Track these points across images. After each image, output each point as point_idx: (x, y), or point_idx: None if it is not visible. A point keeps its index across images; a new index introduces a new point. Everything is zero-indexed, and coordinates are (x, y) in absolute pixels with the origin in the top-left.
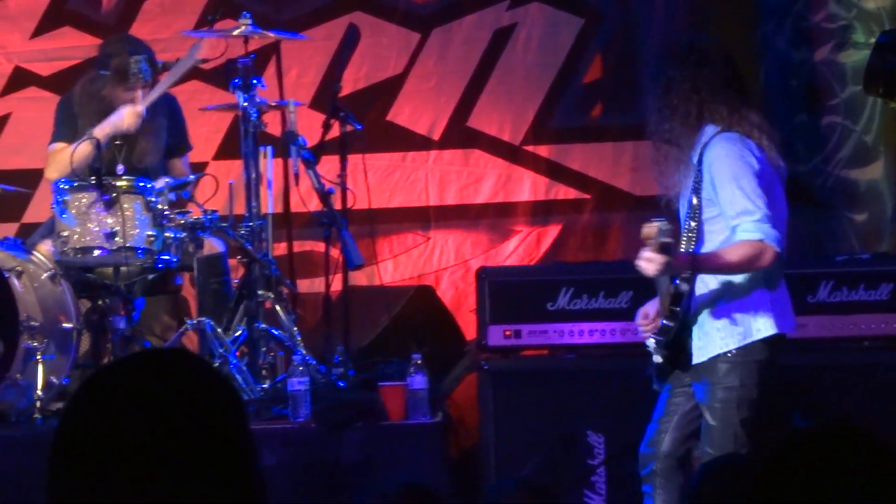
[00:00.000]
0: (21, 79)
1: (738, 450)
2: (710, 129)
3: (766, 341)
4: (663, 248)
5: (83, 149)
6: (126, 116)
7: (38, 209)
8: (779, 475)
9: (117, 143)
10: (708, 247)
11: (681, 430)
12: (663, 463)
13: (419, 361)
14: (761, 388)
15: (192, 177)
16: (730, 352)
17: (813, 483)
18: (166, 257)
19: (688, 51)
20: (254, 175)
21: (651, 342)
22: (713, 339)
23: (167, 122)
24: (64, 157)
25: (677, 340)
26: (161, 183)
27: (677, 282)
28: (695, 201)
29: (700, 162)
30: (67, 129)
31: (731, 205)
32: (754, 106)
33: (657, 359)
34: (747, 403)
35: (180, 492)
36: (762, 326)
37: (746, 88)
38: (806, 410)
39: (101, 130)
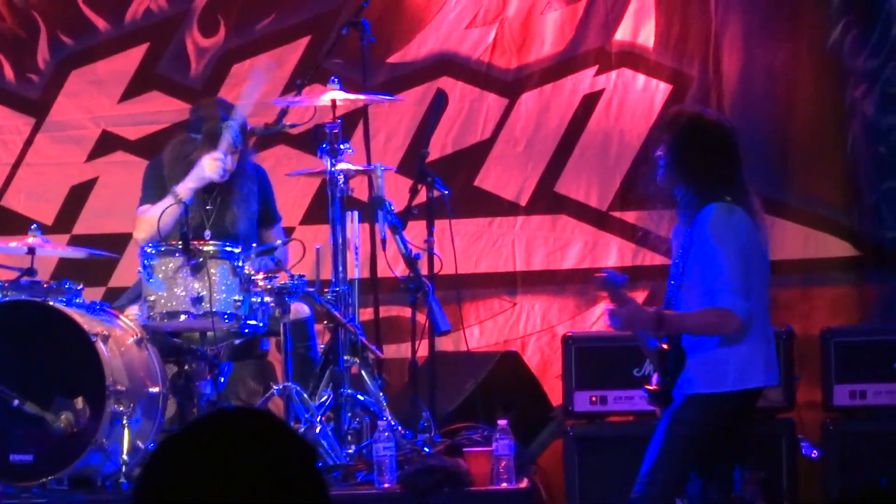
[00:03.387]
0: (108, 143)
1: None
2: (705, 198)
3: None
4: (619, 298)
5: (170, 211)
6: (207, 165)
7: (125, 273)
8: None
9: (207, 208)
10: (681, 309)
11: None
12: None
13: (505, 427)
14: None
15: (278, 242)
16: (698, 394)
17: None
18: (253, 322)
19: (690, 126)
20: (340, 240)
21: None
22: (688, 378)
23: (257, 189)
24: (151, 219)
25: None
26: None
27: (657, 343)
28: (680, 264)
29: (692, 227)
30: (156, 191)
31: (710, 270)
32: (744, 177)
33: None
34: (694, 442)
35: None
36: (732, 380)
37: (739, 162)
38: (892, 478)
39: (184, 187)
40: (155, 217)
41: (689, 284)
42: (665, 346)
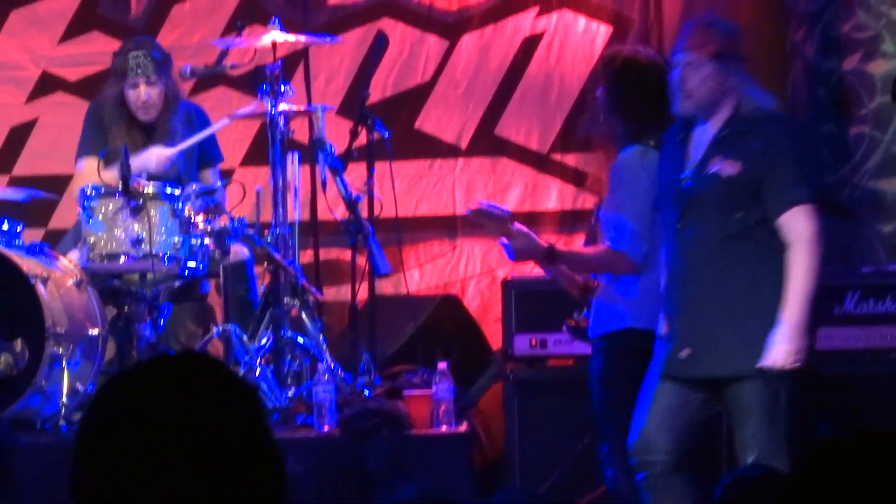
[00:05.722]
0: (48, 84)
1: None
2: (632, 140)
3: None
4: (508, 232)
5: (110, 175)
6: (154, 159)
7: (65, 215)
8: (808, 487)
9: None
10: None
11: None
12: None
13: (445, 370)
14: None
15: (218, 183)
16: (602, 336)
17: (844, 494)
18: (192, 264)
19: (623, 69)
20: (281, 182)
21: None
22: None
23: (198, 129)
24: (91, 180)
25: None
26: (188, 190)
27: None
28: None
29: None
30: (95, 141)
31: (613, 212)
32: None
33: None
34: (615, 389)
35: (200, 496)
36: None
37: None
38: (832, 422)
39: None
40: (94, 180)
41: (602, 223)
42: (583, 281)
